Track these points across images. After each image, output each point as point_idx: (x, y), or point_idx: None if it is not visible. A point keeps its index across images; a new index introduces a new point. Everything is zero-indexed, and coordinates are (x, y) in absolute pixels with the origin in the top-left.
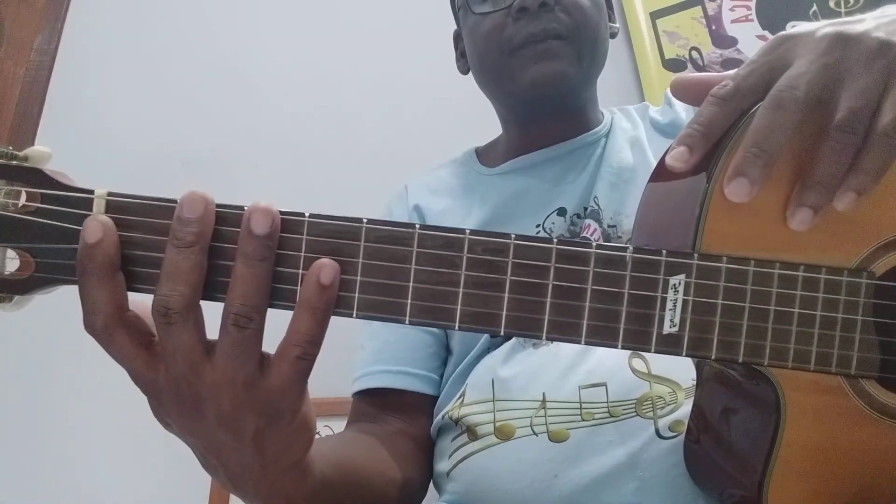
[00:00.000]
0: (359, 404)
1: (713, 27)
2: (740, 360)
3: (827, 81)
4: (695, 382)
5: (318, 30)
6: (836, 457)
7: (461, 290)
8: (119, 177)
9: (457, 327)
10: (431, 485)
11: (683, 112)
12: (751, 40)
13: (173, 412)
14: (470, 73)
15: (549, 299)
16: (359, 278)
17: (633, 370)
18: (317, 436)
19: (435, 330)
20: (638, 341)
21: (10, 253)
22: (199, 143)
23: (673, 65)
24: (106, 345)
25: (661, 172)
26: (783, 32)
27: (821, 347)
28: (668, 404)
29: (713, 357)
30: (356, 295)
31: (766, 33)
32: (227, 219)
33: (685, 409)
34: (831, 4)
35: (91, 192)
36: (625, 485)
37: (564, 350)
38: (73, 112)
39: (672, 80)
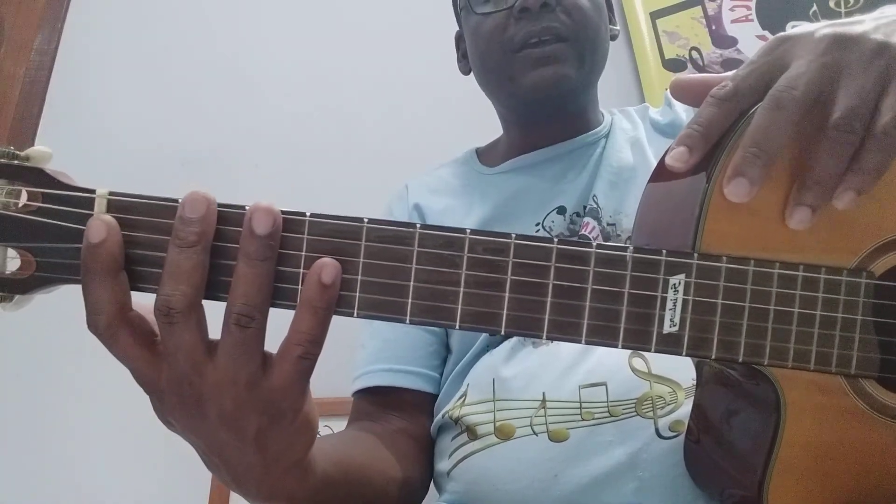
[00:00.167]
0: (360, 403)
1: (713, 27)
2: (740, 360)
3: (825, 81)
4: (695, 382)
5: (318, 30)
6: (836, 456)
7: (462, 289)
8: (119, 177)
9: (457, 327)
10: (432, 484)
11: (683, 113)
12: (751, 40)
13: (175, 411)
14: (471, 74)
15: (549, 299)
16: (360, 277)
17: (634, 370)
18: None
19: (435, 328)
20: (638, 341)
21: (11, 252)
22: (199, 143)
23: (673, 65)
24: (109, 344)
25: (661, 173)
26: (782, 33)
27: (820, 347)
28: (669, 404)
29: (713, 357)
30: (357, 294)
31: (766, 33)
32: (228, 218)
33: (685, 408)
34: (831, 4)
35: (92, 191)
36: (625, 485)
37: (564, 350)
38: (73, 112)
39: (671, 81)
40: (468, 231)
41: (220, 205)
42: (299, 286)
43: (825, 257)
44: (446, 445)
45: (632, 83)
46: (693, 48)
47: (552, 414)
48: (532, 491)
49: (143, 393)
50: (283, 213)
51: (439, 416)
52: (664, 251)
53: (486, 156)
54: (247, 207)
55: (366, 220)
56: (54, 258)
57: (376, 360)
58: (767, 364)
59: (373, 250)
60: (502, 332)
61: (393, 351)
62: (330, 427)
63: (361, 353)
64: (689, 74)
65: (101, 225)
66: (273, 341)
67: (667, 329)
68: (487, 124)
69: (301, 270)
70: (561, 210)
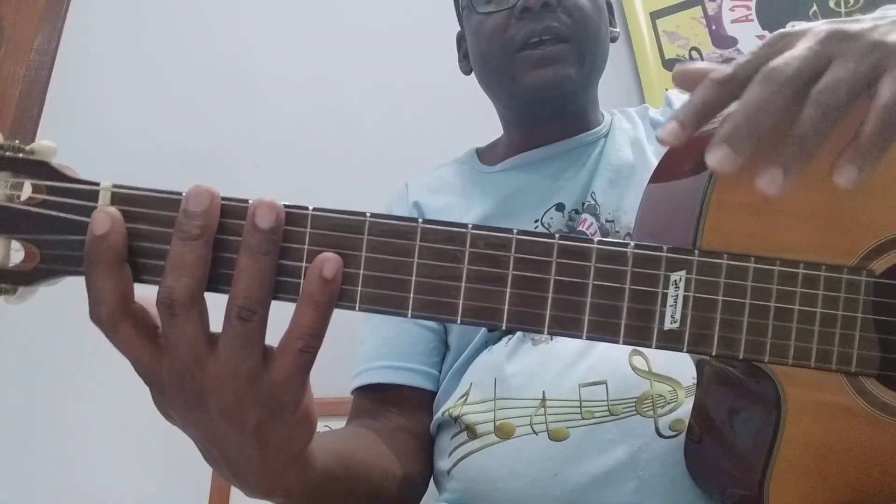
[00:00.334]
0: (359, 400)
1: (713, 27)
2: (741, 357)
3: (817, 64)
4: (695, 381)
5: (318, 30)
6: (836, 454)
7: (463, 284)
8: (119, 177)
9: (459, 321)
10: (432, 483)
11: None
12: (751, 40)
13: (176, 404)
14: (471, 74)
15: (550, 294)
16: (362, 272)
17: (634, 368)
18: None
19: (435, 326)
20: (639, 337)
21: (15, 245)
22: (199, 143)
23: (673, 65)
24: (111, 336)
25: (662, 173)
26: (783, 29)
27: (821, 345)
28: (669, 403)
29: (714, 353)
30: (359, 288)
31: (766, 33)
32: (232, 212)
33: (685, 407)
34: (831, 4)
35: (97, 184)
36: (625, 484)
37: (564, 348)
38: (73, 112)
39: (675, 69)
40: (470, 226)
41: (223, 198)
42: (301, 280)
43: (825, 255)
44: (446, 444)
45: (632, 83)
46: (693, 48)
47: (552, 413)
48: (532, 490)
49: (144, 393)
50: (285, 206)
51: (439, 413)
52: (665, 247)
53: (487, 155)
54: (250, 201)
55: (368, 214)
56: (58, 250)
57: (376, 357)
58: (768, 361)
59: (375, 245)
60: (503, 327)
61: (393, 348)
62: (329, 427)
63: (361, 350)
64: (693, 63)
65: (105, 217)
66: (274, 335)
67: (667, 325)
68: (487, 124)
69: (303, 264)
70: (560, 207)
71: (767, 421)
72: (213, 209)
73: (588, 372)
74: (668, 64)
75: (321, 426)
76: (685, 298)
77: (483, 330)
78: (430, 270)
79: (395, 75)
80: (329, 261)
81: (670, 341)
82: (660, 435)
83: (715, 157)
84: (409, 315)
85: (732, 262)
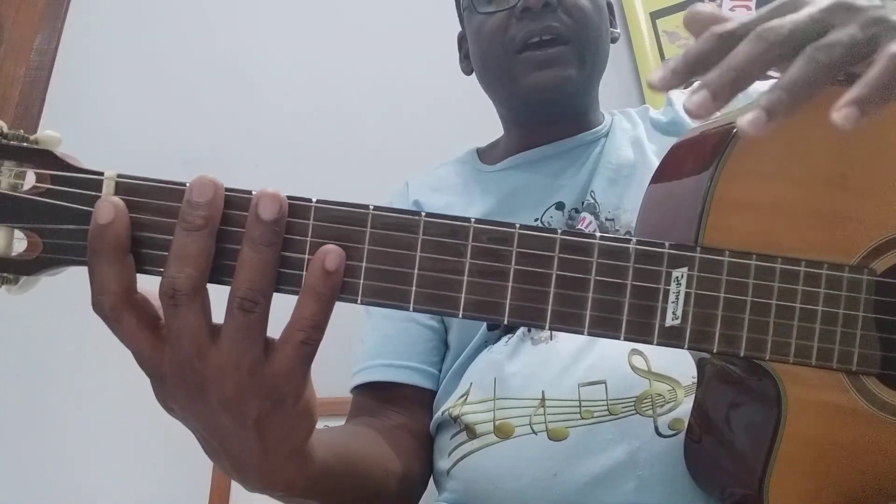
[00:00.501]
0: (359, 399)
1: None
2: (742, 354)
3: (816, 28)
4: (695, 380)
5: (318, 30)
6: (836, 453)
7: (465, 278)
8: None
9: (460, 315)
10: (431, 482)
11: (683, 111)
12: None
13: (177, 395)
14: (472, 74)
15: (552, 289)
16: (364, 264)
17: (633, 367)
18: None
19: (435, 324)
20: (640, 333)
21: (18, 234)
22: (199, 143)
23: None
24: (113, 326)
25: (664, 173)
26: None
27: (822, 343)
28: (668, 402)
29: (715, 350)
30: (361, 281)
31: None
32: (235, 203)
33: (685, 407)
34: None
35: (101, 173)
36: (624, 483)
37: (564, 347)
38: (73, 112)
39: (687, 10)
40: (472, 220)
41: (227, 189)
42: (303, 272)
43: (827, 254)
44: (445, 444)
45: (632, 84)
46: None
47: (551, 413)
48: (532, 490)
49: (144, 393)
50: (289, 198)
51: (438, 413)
52: (667, 244)
53: (487, 155)
54: (253, 192)
55: (371, 207)
56: (61, 239)
57: (376, 355)
58: (769, 359)
59: (377, 237)
60: (505, 322)
61: (393, 346)
62: (328, 427)
63: (361, 348)
64: (706, 8)
65: (109, 206)
66: (275, 327)
67: (669, 322)
68: (487, 124)
69: (306, 256)
70: (559, 206)
71: (768, 419)
72: (217, 200)
73: (587, 371)
74: None
75: (320, 426)
76: (687, 295)
77: (483, 329)
78: (433, 264)
79: (395, 75)
80: (331, 253)
81: (671, 338)
82: (659, 434)
83: (695, 101)
84: (411, 308)
85: (734, 260)
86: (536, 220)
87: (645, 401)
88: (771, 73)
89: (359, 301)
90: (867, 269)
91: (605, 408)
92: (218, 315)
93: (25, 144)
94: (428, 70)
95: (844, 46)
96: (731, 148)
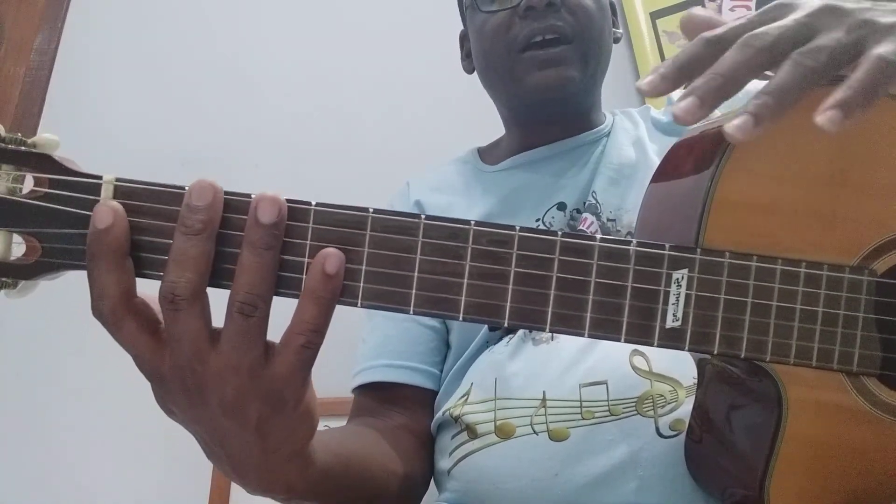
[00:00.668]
0: (360, 399)
1: None
2: (742, 356)
3: (802, 33)
4: (696, 381)
5: (318, 30)
6: (837, 454)
7: (466, 280)
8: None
9: (461, 318)
10: (433, 482)
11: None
12: None
13: (177, 399)
14: (473, 74)
15: (553, 291)
16: (364, 268)
17: (634, 368)
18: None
19: (436, 325)
20: (641, 335)
21: (17, 238)
22: (199, 143)
23: None
24: (113, 330)
25: (664, 173)
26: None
27: (822, 344)
28: (669, 403)
29: (715, 352)
30: (361, 284)
31: None
32: (234, 207)
33: (686, 407)
34: None
35: (99, 177)
36: (625, 484)
37: (565, 348)
38: (73, 112)
39: (684, 14)
40: (472, 223)
41: (226, 193)
42: (303, 276)
43: (827, 255)
44: (446, 444)
45: (632, 84)
46: None
47: (552, 413)
48: (532, 490)
49: (144, 393)
50: (288, 202)
51: (439, 413)
52: (667, 245)
53: (488, 154)
54: (252, 196)
55: (371, 210)
56: (60, 244)
57: (377, 355)
58: (769, 360)
59: (377, 240)
60: (506, 324)
61: (394, 347)
62: (329, 427)
63: (362, 348)
64: (702, 12)
65: (107, 211)
66: (276, 330)
67: (669, 324)
68: (488, 124)
69: (305, 260)
70: (561, 206)
71: (768, 420)
72: (217, 204)
73: (588, 372)
74: None
75: (321, 426)
76: (687, 297)
77: (484, 330)
78: (433, 267)
79: (395, 75)
80: (331, 256)
81: (672, 339)
82: (660, 435)
83: (682, 107)
84: (412, 311)
85: (735, 261)
86: (538, 220)
87: (646, 401)
88: (768, 73)
89: (359, 304)
90: (868, 269)
91: (606, 408)
92: (218, 319)
93: (23, 148)
94: (428, 70)
95: (830, 51)
96: (731, 148)
